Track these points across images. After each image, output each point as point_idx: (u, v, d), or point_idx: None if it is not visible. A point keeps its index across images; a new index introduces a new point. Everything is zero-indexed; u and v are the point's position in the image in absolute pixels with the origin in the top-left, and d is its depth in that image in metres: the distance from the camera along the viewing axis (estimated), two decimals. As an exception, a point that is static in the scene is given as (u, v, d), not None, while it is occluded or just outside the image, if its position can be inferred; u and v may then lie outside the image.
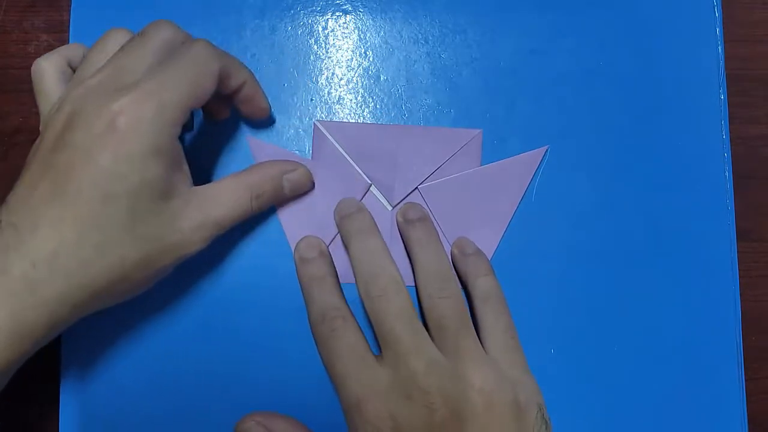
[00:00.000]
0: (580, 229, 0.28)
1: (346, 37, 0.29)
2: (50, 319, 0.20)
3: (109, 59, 0.22)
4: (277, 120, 0.29)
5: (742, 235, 0.29)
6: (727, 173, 0.29)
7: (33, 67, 0.24)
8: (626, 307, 0.28)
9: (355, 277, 0.25)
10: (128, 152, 0.20)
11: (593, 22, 0.29)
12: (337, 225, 0.27)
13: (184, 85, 0.22)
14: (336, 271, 0.26)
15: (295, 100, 0.29)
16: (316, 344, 0.24)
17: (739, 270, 0.28)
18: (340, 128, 0.29)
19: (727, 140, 0.29)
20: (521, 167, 0.29)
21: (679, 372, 0.28)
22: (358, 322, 0.24)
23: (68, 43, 0.29)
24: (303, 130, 0.29)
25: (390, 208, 0.28)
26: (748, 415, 0.28)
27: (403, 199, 0.28)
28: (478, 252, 0.27)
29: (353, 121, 0.29)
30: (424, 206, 0.28)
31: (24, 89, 0.29)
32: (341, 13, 0.29)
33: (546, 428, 0.22)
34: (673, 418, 0.28)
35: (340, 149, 0.28)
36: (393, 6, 0.29)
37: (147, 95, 0.21)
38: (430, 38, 0.29)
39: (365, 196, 0.28)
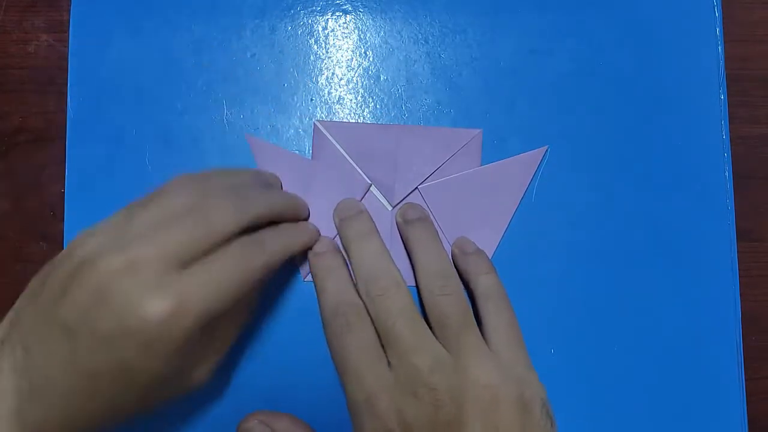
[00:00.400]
0: (580, 229, 0.28)
1: (346, 37, 0.29)
2: None
3: (161, 229, 0.21)
4: (277, 120, 0.29)
5: (742, 235, 0.29)
6: (727, 173, 0.29)
7: None
8: (626, 306, 0.28)
9: (355, 278, 0.24)
10: (156, 351, 0.20)
11: (593, 22, 0.29)
12: (337, 227, 0.27)
13: (225, 294, 0.21)
14: (348, 267, 0.26)
15: (295, 100, 0.29)
16: (327, 337, 0.24)
17: (739, 270, 0.28)
18: (340, 128, 0.29)
19: (727, 140, 0.29)
20: (521, 167, 0.28)
21: (679, 372, 0.28)
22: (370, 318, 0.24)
23: (68, 43, 0.29)
24: (303, 130, 0.29)
25: (390, 208, 0.28)
26: (748, 415, 0.28)
27: (403, 199, 0.28)
28: (479, 251, 0.27)
29: (353, 121, 0.29)
30: (424, 206, 0.28)
31: (24, 89, 0.29)
32: (341, 13, 0.29)
33: (551, 424, 0.22)
34: (673, 418, 0.28)
35: (340, 149, 0.28)
36: (393, 6, 0.29)
37: (191, 300, 0.20)
38: (430, 38, 0.29)
39: (365, 196, 0.28)
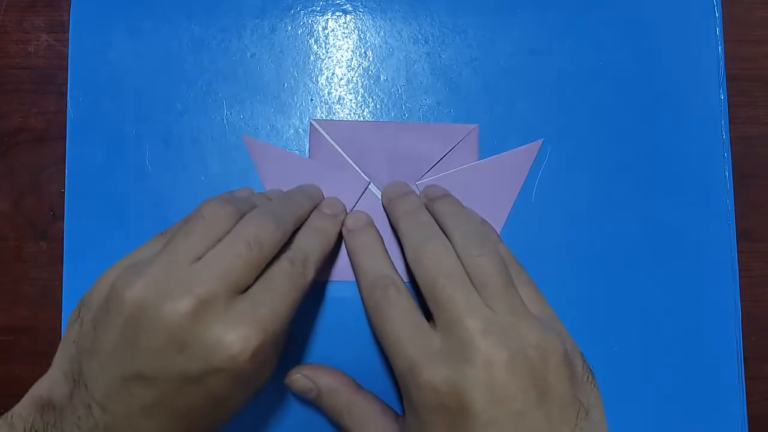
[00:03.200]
0: (579, 229, 0.28)
1: (346, 37, 0.29)
2: None
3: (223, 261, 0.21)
4: (276, 120, 0.29)
5: (742, 235, 0.29)
6: (727, 173, 0.29)
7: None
8: (626, 306, 0.28)
9: (403, 248, 0.24)
10: (245, 378, 0.20)
11: (593, 22, 0.29)
12: (385, 206, 0.28)
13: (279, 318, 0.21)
14: (383, 241, 0.26)
15: (295, 100, 0.29)
16: (368, 312, 0.24)
17: (739, 270, 0.28)
18: (337, 127, 0.29)
19: (727, 140, 0.29)
20: (517, 161, 0.29)
21: (679, 372, 0.28)
22: (410, 291, 0.24)
23: (68, 43, 0.29)
24: (303, 130, 0.29)
25: (390, 207, 0.28)
26: (748, 415, 0.28)
27: (403, 198, 0.28)
28: (485, 222, 0.28)
29: (353, 120, 0.29)
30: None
31: (24, 89, 0.29)
32: (341, 13, 0.29)
33: (592, 376, 0.22)
34: (673, 418, 0.28)
35: (338, 148, 0.28)
36: (393, 6, 0.29)
37: (266, 321, 0.20)
38: (430, 38, 0.29)
39: (364, 194, 0.28)
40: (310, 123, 0.29)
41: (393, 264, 0.25)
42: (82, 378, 0.21)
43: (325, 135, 0.28)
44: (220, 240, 0.22)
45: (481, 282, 0.22)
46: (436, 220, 0.26)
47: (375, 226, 0.27)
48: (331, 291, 0.28)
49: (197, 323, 0.20)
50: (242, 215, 0.23)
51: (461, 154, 0.28)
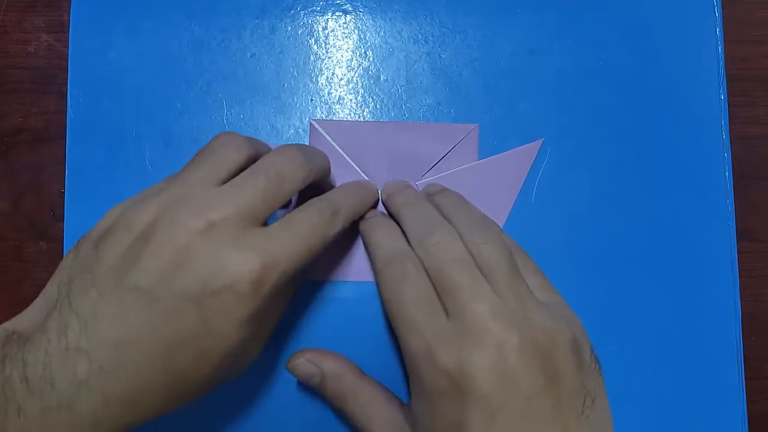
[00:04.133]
0: (579, 229, 0.28)
1: (346, 37, 0.29)
2: None
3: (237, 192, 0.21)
4: (277, 120, 0.29)
5: (742, 235, 0.29)
6: (727, 173, 0.29)
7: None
8: (626, 306, 0.28)
9: (407, 236, 0.24)
10: (240, 311, 0.20)
11: (593, 22, 0.29)
12: (384, 202, 0.27)
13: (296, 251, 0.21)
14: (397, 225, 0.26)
15: (295, 100, 0.29)
16: (381, 289, 0.23)
17: (739, 270, 0.28)
18: (337, 127, 0.29)
19: (727, 140, 0.29)
20: (517, 160, 0.29)
21: (679, 372, 0.28)
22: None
23: (68, 43, 0.29)
24: (303, 130, 0.29)
25: (390, 207, 0.28)
26: (748, 415, 0.28)
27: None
28: (486, 217, 0.27)
29: (353, 120, 0.29)
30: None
31: (24, 89, 0.29)
32: (341, 13, 0.29)
33: (598, 366, 0.22)
34: (674, 418, 0.28)
35: (338, 148, 0.28)
36: (393, 6, 0.29)
37: (277, 257, 0.20)
38: (430, 38, 0.29)
39: (365, 196, 0.28)
40: (310, 123, 0.29)
41: (409, 243, 0.24)
42: (69, 295, 0.19)
43: (325, 135, 0.28)
44: (230, 171, 0.21)
45: (487, 269, 0.22)
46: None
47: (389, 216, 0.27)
48: (331, 291, 0.28)
49: (205, 244, 0.19)
50: (257, 152, 0.22)
51: (461, 154, 0.28)
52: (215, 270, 0.19)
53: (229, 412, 0.27)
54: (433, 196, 0.27)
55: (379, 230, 0.25)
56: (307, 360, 0.25)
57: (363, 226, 0.26)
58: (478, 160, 0.29)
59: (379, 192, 0.28)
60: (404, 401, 0.25)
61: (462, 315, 0.21)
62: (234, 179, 0.21)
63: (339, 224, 0.23)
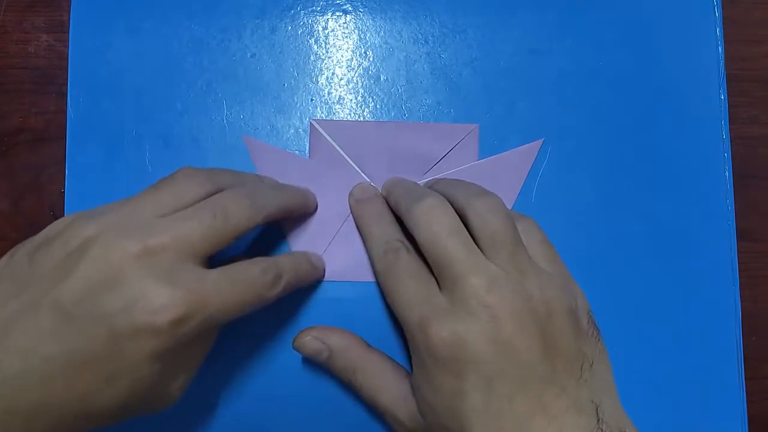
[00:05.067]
0: (579, 229, 0.28)
1: (346, 37, 0.29)
2: None
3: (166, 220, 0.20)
4: (277, 120, 0.29)
5: (742, 235, 0.29)
6: (727, 173, 0.29)
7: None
8: (626, 306, 0.28)
9: (399, 208, 0.25)
10: (154, 345, 0.19)
11: (593, 22, 0.29)
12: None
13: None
14: (391, 210, 0.26)
15: (295, 100, 0.29)
16: (378, 276, 0.24)
17: (739, 270, 0.28)
18: (337, 126, 0.29)
19: (727, 140, 0.29)
20: (518, 160, 0.29)
21: (679, 372, 0.28)
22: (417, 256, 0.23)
23: (68, 43, 0.29)
24: (303, 130, 0.29)
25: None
26: (748, 415, 0.28)
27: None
28: (485, 190, 0.27)
29: (353, 120, 0.29)
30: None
31: (24, 89, 0.29)
32: (341, 13, 0.29)
33: (597, 332, 0.23)
34: (674, 418, 0.28)
35: (338, 148, 0.28)
36: (393, 6, 0.29)
37: (206, 301, 0.20)
38: (430, 38, 0.29)
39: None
40: (310, 123, 0.29)
41: (401, 230, 0.25)
42: None
43: (325, 135, 0.28)
44: (186, 204, 0.21)
45: (491, 239, 0.22)
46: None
47: (382, 197, 0.27)
48: (331, 291, 0.28)
49: (137, 269, 0.19)
50: (218, 189, 0.22)
51: (461, 154, 0.28)
52: (139, 297, 0.19)
53: (235, 405, 0.27)
54: (431, 186, 0.27)
55: (372, 219, 0.26)
56: (313, 337, 0.25)
57: (356, 212, 0.27)
58: (478, 160, 0.29)
59: (381, 189, 0.28)
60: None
61: (457, 287, 0.21)
62: (182, 211, 0.21)
63: (278, 290, 0.22)
